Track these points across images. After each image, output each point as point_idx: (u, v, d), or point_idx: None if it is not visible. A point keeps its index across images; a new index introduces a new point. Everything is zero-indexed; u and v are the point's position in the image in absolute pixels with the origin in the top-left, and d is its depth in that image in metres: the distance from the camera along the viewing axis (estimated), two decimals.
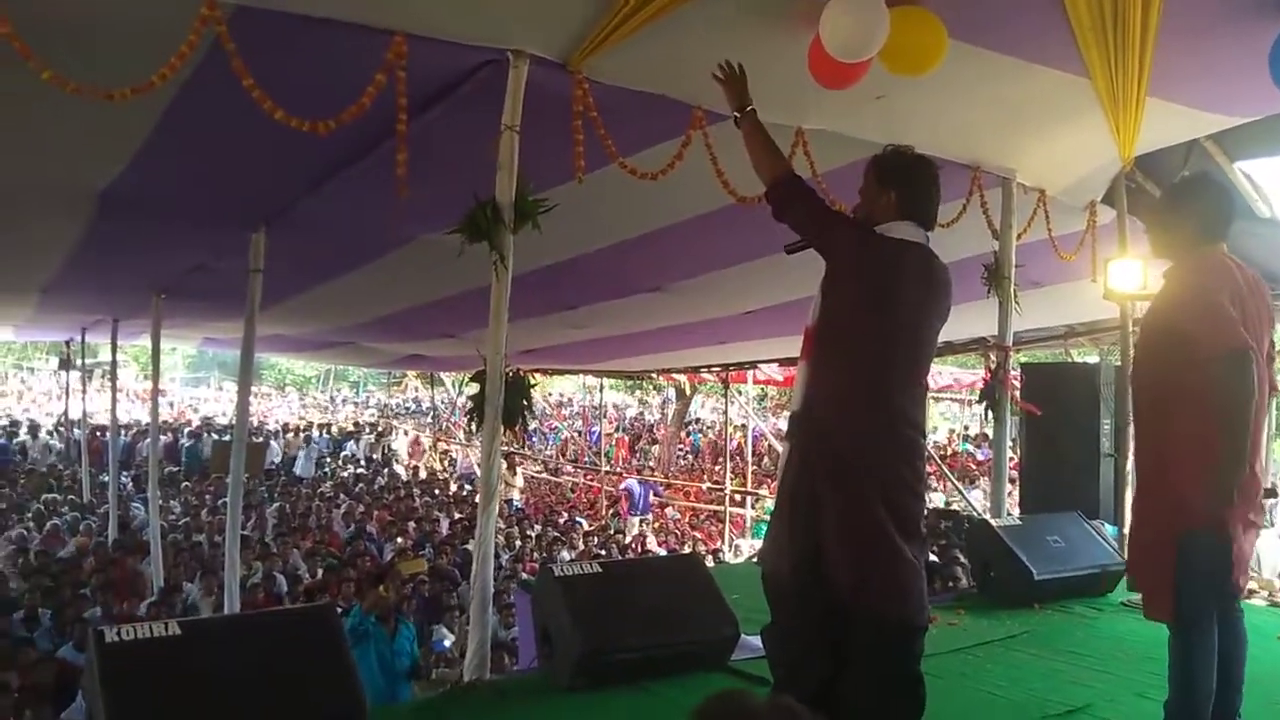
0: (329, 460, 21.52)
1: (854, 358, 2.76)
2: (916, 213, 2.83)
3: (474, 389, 3.99)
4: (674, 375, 20.25)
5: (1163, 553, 2.87)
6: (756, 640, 3.91)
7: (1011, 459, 8.02)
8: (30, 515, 12.78)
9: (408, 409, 34.68)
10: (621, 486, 18.36)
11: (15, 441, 20.04)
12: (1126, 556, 3.29)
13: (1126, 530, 6.36)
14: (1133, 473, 6.75)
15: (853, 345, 2.76)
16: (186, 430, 22.50)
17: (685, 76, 4.17)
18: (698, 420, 29.11)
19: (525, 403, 4.01)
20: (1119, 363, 7.24)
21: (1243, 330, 2.81)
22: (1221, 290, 2.87)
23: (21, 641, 7.12)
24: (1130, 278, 6.03)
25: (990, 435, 6.37)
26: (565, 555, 11.49)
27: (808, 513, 2.74)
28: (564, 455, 25.71)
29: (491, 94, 3.84)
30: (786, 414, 3.22)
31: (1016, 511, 7.11)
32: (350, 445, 23.48)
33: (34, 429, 21.14)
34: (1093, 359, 11.23)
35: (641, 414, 33.10)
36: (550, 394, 29.80)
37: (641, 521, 16.88)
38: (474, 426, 4.05)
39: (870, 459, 2.70)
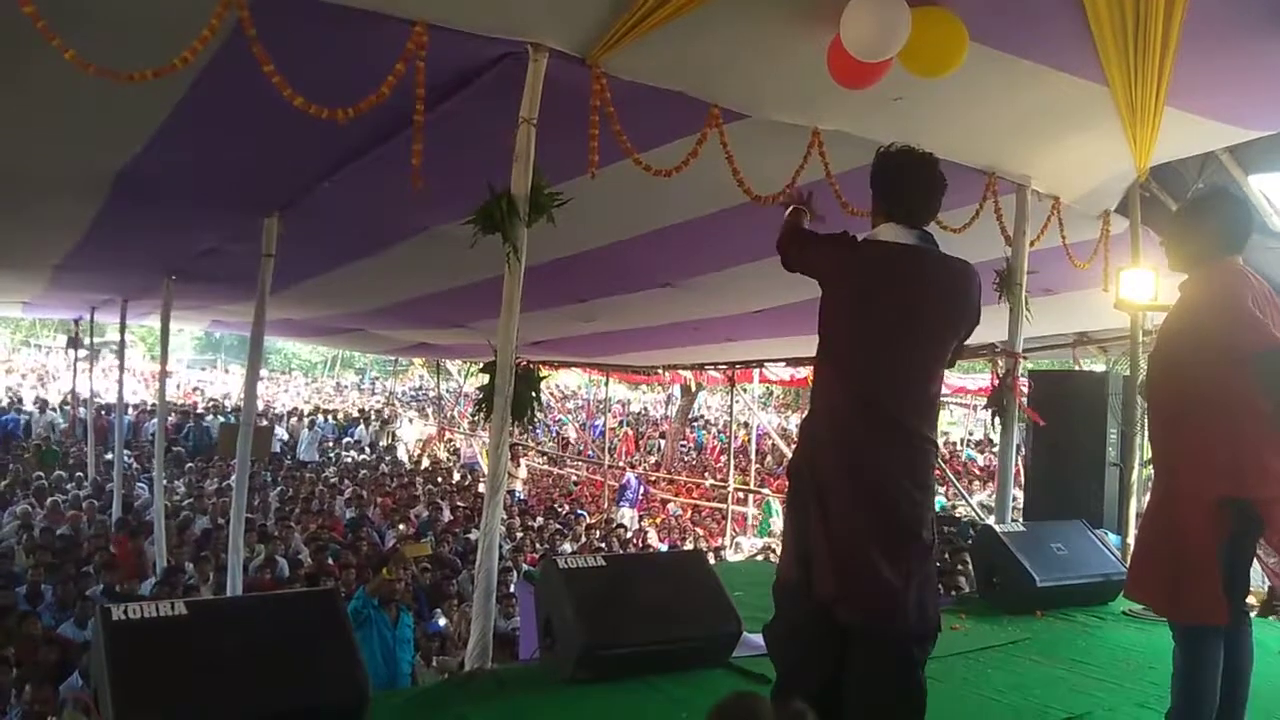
0: (333, 446, 21.57)
1: (840, 364, 2.74)
2: (899, 212, 2.73)
3: (483, 379, 4.01)
4: (680, 372, 20.25)
5: (1206, 549, 2.83)
6: (758, 638, 3.93)
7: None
8: (32, 491, 12.83)
9: (413, 396, 34.74)
10: (623, 480, 18.47)
11: (22, 415, 20.09)
12: (1133, 567, 3.25)
13: (1131, 540, 6.43)
14: (1139, 483, 6.80)
15: (838, 352, 2.75)
16: (193, 412, 22.54)
17: (703, 74, 4.17)
18: (702, 417, 29.12)
19: (534, 395, 4.02)
20: (1128, 372, 7.22)
21: (1274, 329, 2.80)
22: (1245, 295, 2.87)
23: (24, 616, 7.17)
24: (1142, 288, 6.01)
25: (994, 441, 6.36)
26: (567, 548, 11.52)
27: (801, 518, 2.75)
28: (567, 449, 25.74)
29: (509, 86, 3.85)
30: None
31: (1020, 518, 7.10)
32: (357, 431, 23.55)
33: (42, 405, 21.14)
34: (1099, 367, 11.20)
35: (645, 409, 33.10)
36: (555, 386, 29.81)
37: (642, 517, 16.95)
38: (482, 417, 4.06)
39: (854, 463, 2.66)
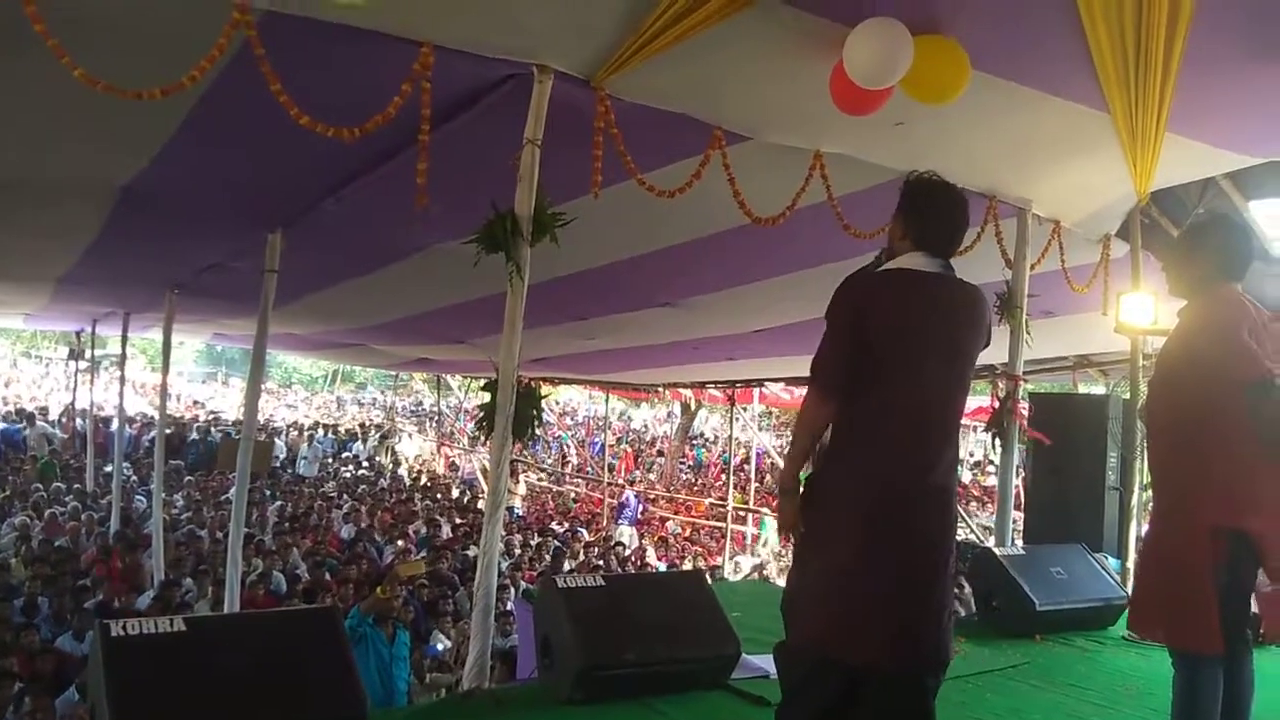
0: (332, 461, 21.51)
1: (847, 395, 2.66)
2: (926, 240, 2.70)
3: (485, 397, 4.01)
4: (680, 390, 20.26)
5: (1201, 576, 2.82)
6: (756, 659, 3.92)
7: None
8: (30, 503, 12.80)
9: (413, 411, 34.71)
10: (623, 497, 18.46)
11: (19, 428, 19.97)
12: (1135, 590, 3.24)
13: (1131, 564, 6.40)
14: (1139, 507, 6.79)
15: (877, 379, 2.63)
16: (195, 425, 22.46)
17: (707, 96, 4.20)
18: (701, 435, 29.10)
19: (535, 413, 4.03)
20: (1127, 396, 7.23)
21: (1265, 360, 2.81)
22: (1240, 324, 2.88)
23: (23, 628, 7.15)
24: (1142, 312, 6.03)
25: (994, 463, 6.36)
26: (565, 565, 11.47)
27: (812, 551, 2.72)
28: (567, 466, 25.71)
29: (514, 107, 3.87)
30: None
31: (1020, 541, 7.08)
32: (356, 446, 23.48)
33: (30, 417, 20.93)
34: (1099, 390, 11.20)
35: (645, 424, 33.07)
36: (556, 403, 29.80)
37: (643, 536, 16.91)
38: (483, 435, 4.07)
39: (837, 495, 2.63)
